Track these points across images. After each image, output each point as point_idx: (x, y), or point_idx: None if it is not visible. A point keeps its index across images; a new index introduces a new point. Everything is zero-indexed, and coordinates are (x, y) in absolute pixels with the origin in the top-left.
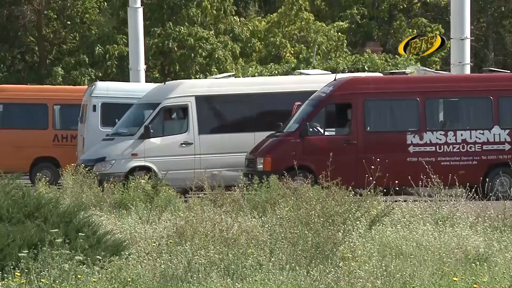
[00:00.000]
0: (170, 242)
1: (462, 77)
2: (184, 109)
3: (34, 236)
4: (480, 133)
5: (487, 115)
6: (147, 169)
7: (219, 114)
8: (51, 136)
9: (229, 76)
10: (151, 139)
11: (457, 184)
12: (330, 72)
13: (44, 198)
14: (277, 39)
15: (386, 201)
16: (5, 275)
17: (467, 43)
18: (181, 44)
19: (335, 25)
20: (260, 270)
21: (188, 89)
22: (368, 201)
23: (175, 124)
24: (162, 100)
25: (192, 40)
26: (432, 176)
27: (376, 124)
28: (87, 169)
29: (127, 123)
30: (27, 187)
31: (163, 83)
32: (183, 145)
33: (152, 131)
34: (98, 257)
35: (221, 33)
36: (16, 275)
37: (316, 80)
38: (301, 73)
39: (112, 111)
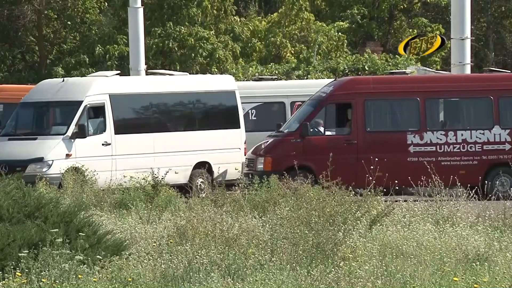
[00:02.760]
0: (171, 242)
1: (462, 77)
2: (102, 108)
3: (34, 236)
4: (480, 133)
5: (488, 115)
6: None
7: (131, 114)
8: None
9: (116, 74)
10: (80, 139)
11: (458, 184)
12: (187, 73)
13: (45, 198)
14: (278, 39)
15: (386, 201)
16: (6, 275)
17: (468, 43)
18: (181, 44)
19: (335, 25)
20: (260, 270)
21: (102, 87)
22: (368, 201)
23: (98, 123)
24: (83, 98)
25: (192, 40)
26: (432, 176)
27: (376, 124)
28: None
29: (29, 123)
30: (27, 187)
31: (62, 80)
32: (103, 145)
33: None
34: (98, 257)
35: (222, 33)
36: (17, 275)
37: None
38: (156, 73)
39: None
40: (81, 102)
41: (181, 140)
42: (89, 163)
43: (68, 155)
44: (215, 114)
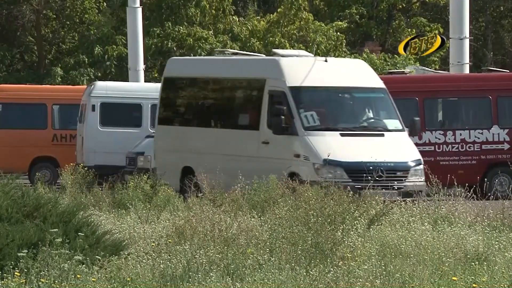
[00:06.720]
0: (169, 241)
1: (461, 77)
2: None
3: (33, 236)
4: (479, 132)
5: (486, 114)
6: None
7: None
8: (50, 136)
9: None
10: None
11: (456, 183)
12: None
13: (43, 198)
14: (276, 39)
15: (384, 200)
16: (5, 275)
17: (466, 43)
18: (180, 44)
19: (334, 24)
20: (259, 270)
21: None
22: (367, 201)
23: None
24: None
25: (191, 40)
26: (431, 175)
27: None
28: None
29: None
30: (26, 187)
31: None
32: None
33: None
34: (97, 257)
35: (220, 33)
36: (16, 275)
37: None
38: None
39: (111, 111)
40: None
41: None
42: None
43: None
44: None
